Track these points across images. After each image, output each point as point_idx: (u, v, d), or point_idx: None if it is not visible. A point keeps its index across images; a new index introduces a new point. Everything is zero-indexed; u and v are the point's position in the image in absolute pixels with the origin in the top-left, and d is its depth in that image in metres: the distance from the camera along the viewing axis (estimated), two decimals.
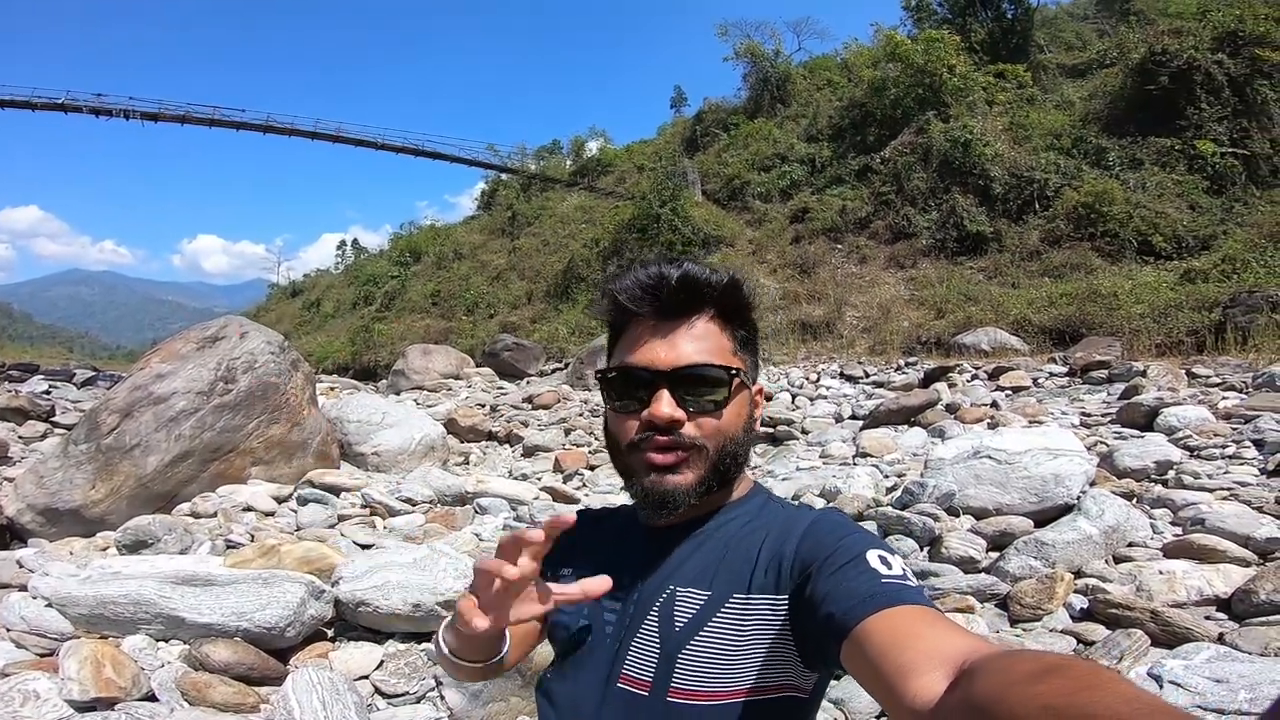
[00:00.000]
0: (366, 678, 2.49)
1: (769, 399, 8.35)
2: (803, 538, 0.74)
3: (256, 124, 27.60)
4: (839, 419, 8.05)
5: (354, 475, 6.12)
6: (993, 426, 6.28)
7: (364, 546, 3.92)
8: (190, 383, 5.58)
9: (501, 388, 15.06)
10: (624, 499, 0.92)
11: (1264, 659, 2.35)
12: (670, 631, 0.76)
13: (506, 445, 9.62)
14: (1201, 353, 9.16)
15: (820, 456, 6.25)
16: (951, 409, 7.31)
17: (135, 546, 3.69)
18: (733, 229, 19.97)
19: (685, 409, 0.77)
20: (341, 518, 4.92)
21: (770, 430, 7.46)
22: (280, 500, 5.32)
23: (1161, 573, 3.06)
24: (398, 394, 14.55)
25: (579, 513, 0.97)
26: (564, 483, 6.63)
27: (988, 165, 16.38)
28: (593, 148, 31.91)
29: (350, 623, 2.77)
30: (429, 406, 11.72)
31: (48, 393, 11.35)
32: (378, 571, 2.70)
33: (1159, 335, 10.10)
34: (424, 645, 2.62)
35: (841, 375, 11.17)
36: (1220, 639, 2.59)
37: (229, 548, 3.86)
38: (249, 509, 4.95)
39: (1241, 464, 4.63)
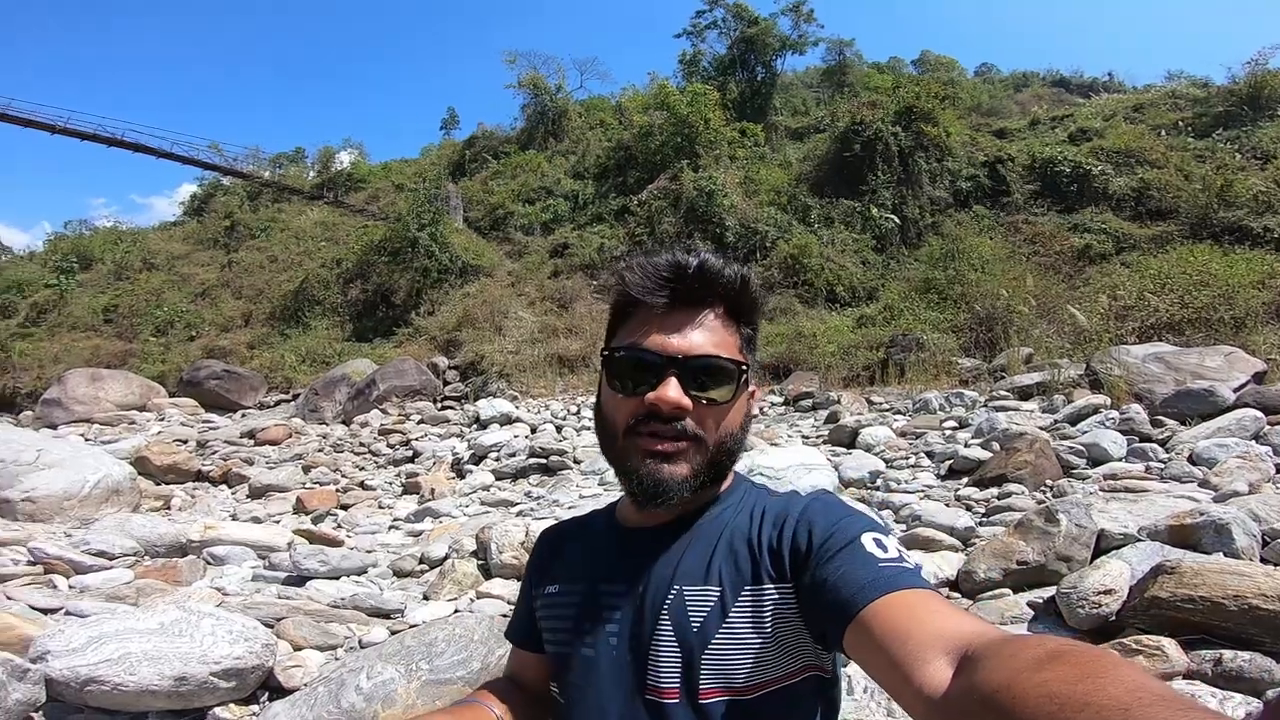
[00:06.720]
0: None
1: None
2: (799, 524, 0.74)
3: None
4: None
5: (7, 527, 4.52)
6: None
7: (46, 611, 2.88)
8: None
9: (209, 421, 12.82)
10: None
11: (1006, 627, 2.65)
12: (688, 634, 0.73)
13: (224, 486, 8.16)
14: (874, 384, 11.29)
15: (600, 484, 6.38)
16: None
17: None
18: (492, 259, 19.67)
19: (692, 399, 0.76)
20: None
21: (544, 461, 7.42)
22: None
23: None
24: (53, 428, 11.59)
25: (544, 531, 0.99)
26: (314, 524, 5.77)
27: (724, 215, 17.94)
28: (344, 160, 29.00)
29: (72, 705, 1.97)
30: (106, 443, 9.37)
31: None
32: (107, 642, 1.98)
33: (844, 370, 12.10)
34: None
35: None
36: None
37: None
38: None
39: (923, 471, 5.66)
